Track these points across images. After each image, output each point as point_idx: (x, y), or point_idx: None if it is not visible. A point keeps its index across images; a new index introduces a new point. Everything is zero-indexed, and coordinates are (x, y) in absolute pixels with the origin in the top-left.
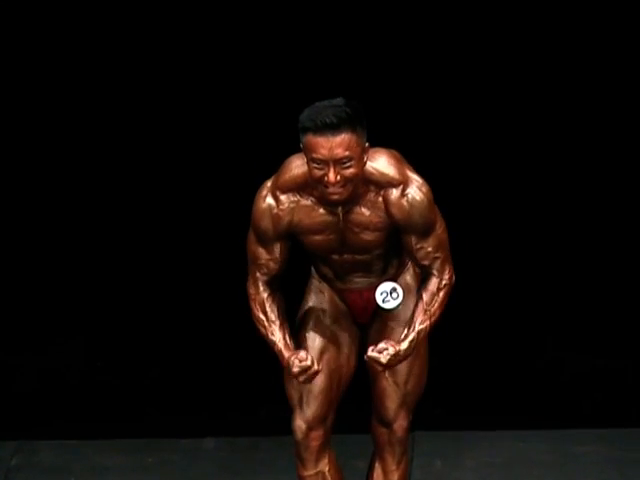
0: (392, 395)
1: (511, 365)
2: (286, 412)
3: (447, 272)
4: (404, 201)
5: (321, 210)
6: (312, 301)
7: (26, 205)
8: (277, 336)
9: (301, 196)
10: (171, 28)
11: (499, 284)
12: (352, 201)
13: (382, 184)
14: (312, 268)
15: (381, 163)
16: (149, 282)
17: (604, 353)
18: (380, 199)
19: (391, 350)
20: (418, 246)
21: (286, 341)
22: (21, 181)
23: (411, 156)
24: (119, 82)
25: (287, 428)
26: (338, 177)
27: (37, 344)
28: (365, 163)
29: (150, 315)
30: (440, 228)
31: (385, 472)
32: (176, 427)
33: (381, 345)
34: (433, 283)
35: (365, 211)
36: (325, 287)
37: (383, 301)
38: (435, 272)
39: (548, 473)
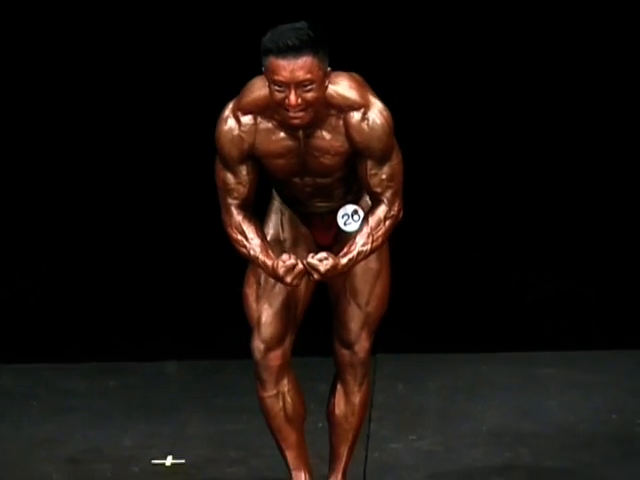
0: (354, 316)
1: (475, 288)
2: (248, 335)
3: (397, 204)
4: (364, 124)
5: (282, 134)
6: (272, 222)
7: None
8: (258, 250)
9: (263, 118)
10: (171, 28)
11: (465, 205)
12: (313, 125)
13: (343, 108)
14: (273, 190)
15: (342, 87)
16: (115, 208)
17: (568, 277)
18: (341, 122)
19: (330, 262)
20: (373, 172)
21: (267, 252)
22: (14, 174)
23: (411, 154)
24: (119, 82)
25: (249, 351)
26: (299, 100)
27: None
28: (327, 87)
29: (115, 235)
30: (396, 159)
31: (347, 393)
32: (139, 351)
33: (321, 254)
34: (382, 210)
35: (326, 135)
36: (286, 208)
37: (345, 223)
38: (385, 200)
39: (511, 395)
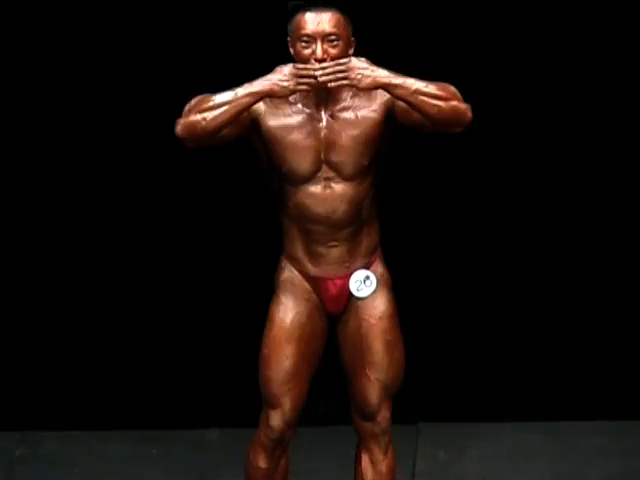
0: (374, 390)
1: (515, 356)
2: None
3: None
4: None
5: (301, 108)
6: (284, 295)
7: (28, 200)
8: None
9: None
10: (170, 28)
11: (503, 274)
12: (337, 100)
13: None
14: (282, 258)
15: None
16: (151, 273)
17: (607, 345)
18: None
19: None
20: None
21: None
22: (21, 178)
23: (414, 153)
24: (118, 82)
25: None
26: (325, 54)
27: (40, 333)
28: (351, 54)
29: (154, 305)
30: None
31: (373, 462)
32: (180, 418)
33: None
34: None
35: (355, 104)
36: (297, 278)
37: (357, 289)
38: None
39: (551, 464)
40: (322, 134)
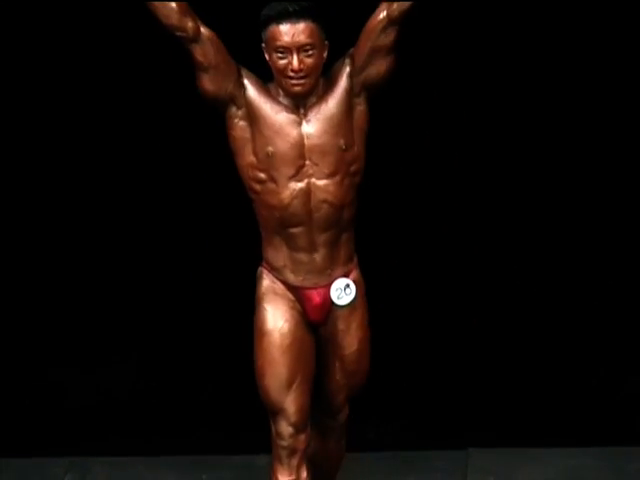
0: (341, 393)
1: (566, 381)
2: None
3: None
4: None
5: (281, 109)
6: (269, 305)
7: (71, 226)
8: None
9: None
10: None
11: (552, 302)
12: (313, 99)
13: (334, 70)
14: (260, 269)
15: None
16: (199, 301)
17: None
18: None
19: None
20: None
21: None
22: (56, 194)
23: (413, 154)
24: (118, 82)
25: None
26: (301, 65)
27: (89, 361)
28: (324, 59)
29: (201, 331)
30: None
31: (325, 444)
32: (230, 444)
33: None
34: None
35: (329, 102)
36: (279, 287)
37: (338, 297)
38: None
39: None
40: (302, 128)
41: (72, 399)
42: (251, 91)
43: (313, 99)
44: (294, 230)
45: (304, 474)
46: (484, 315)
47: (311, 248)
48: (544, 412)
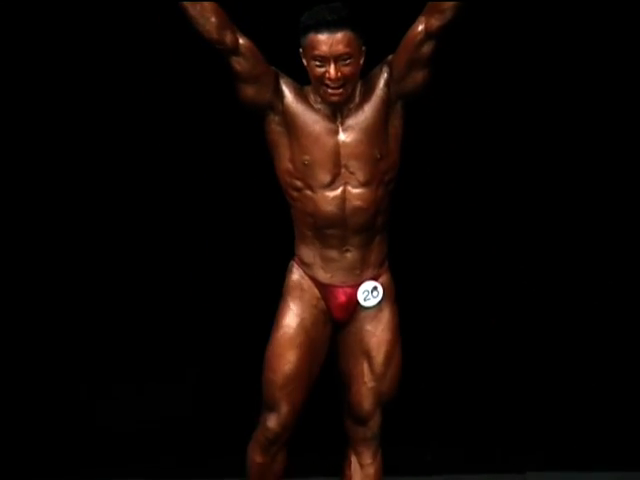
0: (369, 397)
1: (622, 406)
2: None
3: None
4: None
5: (318, 116)
6: (292, 300)
7: (115, 243)
8: None
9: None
10: (170, 28)
11: (609, 326)
12: (350, 107)
13: (371, 77)
14: (292, 262)
15: None
16: (250, 326)
17: None
18: (376, 88)
19: None
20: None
21: None
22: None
23: (413, 156)
24: (118, 82)
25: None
26: (339, 74)
27: (135, 384)
28: (362, 66)
29: (249, 352)
30: None
31: (361, 465)
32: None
33: None
34: None
35: (365, 108)
36: (306, 283)
37: (365, 299)
38: None
39: None
40: (338, 136)
41: (117, 422)
42: (289, 98)
43: (350, 106)
44: (328, 231)
45: (280, 457)
46: (540, 336)
47: (343, 247)
48: (601, 435)
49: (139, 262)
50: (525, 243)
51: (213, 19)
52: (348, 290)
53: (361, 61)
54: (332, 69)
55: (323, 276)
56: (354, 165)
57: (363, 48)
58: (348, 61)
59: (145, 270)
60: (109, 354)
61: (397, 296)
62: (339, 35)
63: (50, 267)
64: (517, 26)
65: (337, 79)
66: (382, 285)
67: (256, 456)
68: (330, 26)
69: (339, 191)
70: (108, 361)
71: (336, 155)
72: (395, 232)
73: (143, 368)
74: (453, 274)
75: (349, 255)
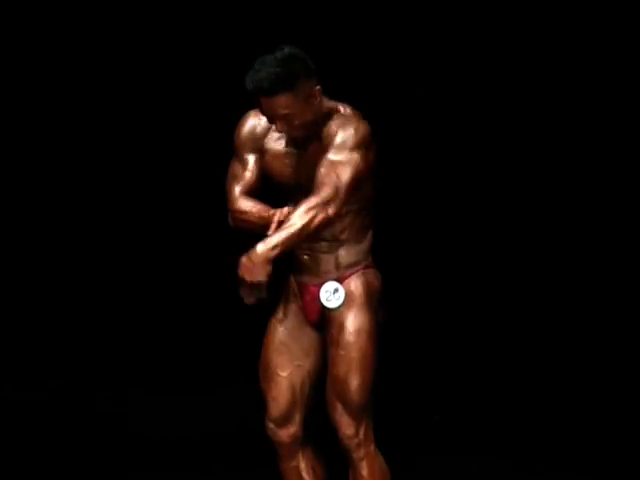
0: (334, 403)
1: None
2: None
3: (330, 201)
4: (335, 127)
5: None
6: (281, 303)
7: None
8: (255, 210)
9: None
10: (170, 28)
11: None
12: (314, 135)
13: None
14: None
15: (344, 110)
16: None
17: None
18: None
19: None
20: (321, 164)
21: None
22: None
23: (411, 157)
24: (118, 82)
25: None
26: (285, 128)
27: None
28: (316, 105)
29: None
30: (348, 162)
31: (354, 474)
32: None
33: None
34: (310, 200)
35: (320, 141)
36: (293, 283)
37: (327, 299)
38: (319, 191)
39: None
40: (298, 159)
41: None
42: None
43: (315, 143)
44: None
45: (290, 464)
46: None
47: (306, 249)
48: None
49: (186, 277)
50: (525, 243)
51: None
52: (312, 289)
53: (314, 103)
54: (278, 126)
55: (297, 276)
56: (309, 176)
57: (317, 87)
58: (292, 117)
59: (192, 284)
60: (156, 367)
61: (391, 301)
62: (276, 100)
63: (90, 283)
64: (517, 26)
65: (284, 131)
66: (351, 289)
67: (280, 464)
68: (266, 92)
69: (301, 199)
70: (153, 374)
71: (297, 173)
72: (390, 232)
73: (188, 380)
74: (454, 276)
75: (309, 259)
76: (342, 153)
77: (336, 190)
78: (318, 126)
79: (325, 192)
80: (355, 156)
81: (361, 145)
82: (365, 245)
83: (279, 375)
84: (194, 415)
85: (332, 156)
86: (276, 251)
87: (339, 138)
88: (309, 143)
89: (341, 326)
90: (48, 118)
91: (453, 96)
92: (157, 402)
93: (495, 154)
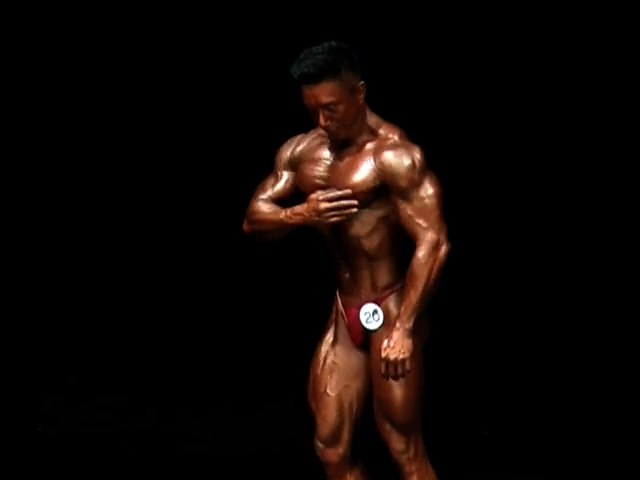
0: (380, 421)
1: None
2: None
3: (434, 242)
4: (392, 159)
5: (322, 143)
6: (329, 324)
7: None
8: (280, 211)
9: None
10: (170, 28)
11: None
12: (350, 142)
13: (381, 139)
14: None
15: (389, 127)
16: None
17: None
18: (372, 151)
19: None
20: (402, 206)
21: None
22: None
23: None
24: (119, 82)
25: None
26: (328, 121)
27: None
28: (360, 100)
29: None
30: (425, 193)
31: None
32: None
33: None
34: (418, 254)
35: (357, 154)
36: (339, 304)
37: (366, 321)
38: (420, 241)
39: None
40: (329, 164)
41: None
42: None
43: (352, 151)
44: (333, 252)
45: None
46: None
47: (343, 268)
48: None
49: (238, 297)
50: (525, 243)
51: (266, 210)
52: (353, 311)
53: (358, 97)
54: (320, 118)
55: (340, 297)
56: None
57: (360, 82)
58: (335, 107)
59: (244, 304)
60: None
61: (439, 317)
62: (319, 87)
63: (115, 288)
64: (517, 26)
65: (326, 125)
66: (390, 309)
67: None
68: (311, 79)
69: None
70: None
71: (324, 177)
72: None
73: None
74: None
75: (347, 278)
76: (414, 190)
77: (435, 228)
78: (361, 136)
79: (429, 237)
80: (427, 185)
81: (424, 170)
82: (400, 263)
83: (328, 395)
84: (244, 433)
85: (410, 201)
86: (412, 321)
87: (404, 179)
88: (345, 152)
89: (381, 347)
90: (50, 119)
91: (453, 96)
92: (207, 421)
93: (495, 154)
